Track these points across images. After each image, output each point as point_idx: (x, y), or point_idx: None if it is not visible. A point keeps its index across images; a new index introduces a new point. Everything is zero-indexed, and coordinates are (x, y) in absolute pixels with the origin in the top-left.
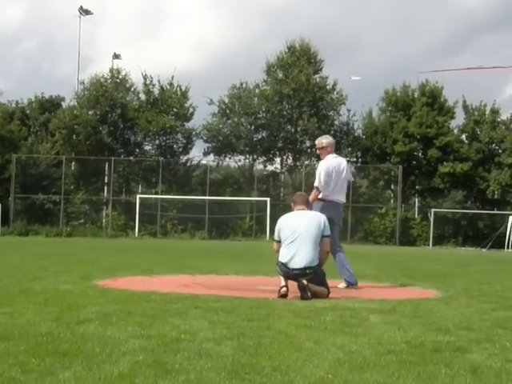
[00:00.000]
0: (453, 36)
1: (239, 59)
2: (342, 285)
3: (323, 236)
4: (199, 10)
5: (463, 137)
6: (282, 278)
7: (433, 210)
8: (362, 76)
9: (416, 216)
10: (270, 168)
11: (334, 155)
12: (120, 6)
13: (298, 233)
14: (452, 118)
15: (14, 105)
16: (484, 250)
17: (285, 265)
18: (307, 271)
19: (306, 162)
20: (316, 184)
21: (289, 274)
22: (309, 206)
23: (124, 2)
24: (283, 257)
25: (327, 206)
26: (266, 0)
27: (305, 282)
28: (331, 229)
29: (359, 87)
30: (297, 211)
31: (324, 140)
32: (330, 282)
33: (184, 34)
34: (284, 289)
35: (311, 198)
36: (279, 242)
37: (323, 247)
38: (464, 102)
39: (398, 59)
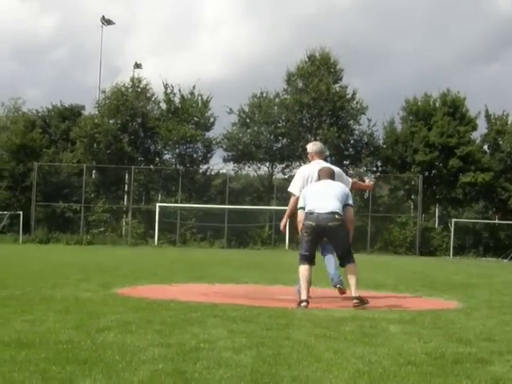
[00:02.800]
0: (485, 44)
1: (270, 68)
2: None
3: (346, 204)
4: (231, 20)
5: (485, 147)
6: (303, 288)
7: (453, 219)
8: (391, 84)
9: (436, 226)
10: (288, 176)
11: (318, 161)
12: (150, 15)
13: (323, 190)
14: (474, 129)
15: (34, 112)
16: (505, 260)
17: (311, 212)
18: (336, 216)
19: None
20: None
21: (318, 223)
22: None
23: (154, 12)
24: (309, 206)
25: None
26: (298, 10)
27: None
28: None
29: (388, 96)
30: (322, 181)
31: (308, 146)
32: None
33: (215, 43)
34: (304, 303)
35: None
36: (304, 208)
37: (347, 216)
38: (486, 111)
39: (428, 68)
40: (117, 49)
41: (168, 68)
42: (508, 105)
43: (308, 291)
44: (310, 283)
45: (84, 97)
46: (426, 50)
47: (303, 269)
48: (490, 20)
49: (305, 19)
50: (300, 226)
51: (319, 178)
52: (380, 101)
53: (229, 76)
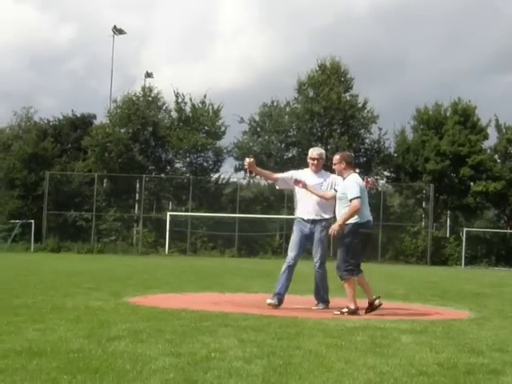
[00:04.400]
0: (503, 51)
1: (286, 79)
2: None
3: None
4: (247, 30)
5: (496, 156)
6: (352, 295)
7: (465, 229)
8: (407, 92)
9: (448, 235)
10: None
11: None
12: (167, 25)
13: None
14: (485, 138)
15: (45, 121)
16: None
17: (369, 220)
18: None
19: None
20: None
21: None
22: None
23: (171, 21)
24: (367, 216)
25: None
26: (314, 19)
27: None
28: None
29: (404, 104)
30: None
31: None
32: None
33: (231, 53)
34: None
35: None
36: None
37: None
38: (497, 120)
39: (445, 76)
40: (133, 58)
41: (184, 77)
42: None
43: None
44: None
45: (98, 106)
46: (443, 58)
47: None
48: (508, 28)
49: (321, 29)
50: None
51: (350, 164)
52: (396, 109)
53: (245, 86)
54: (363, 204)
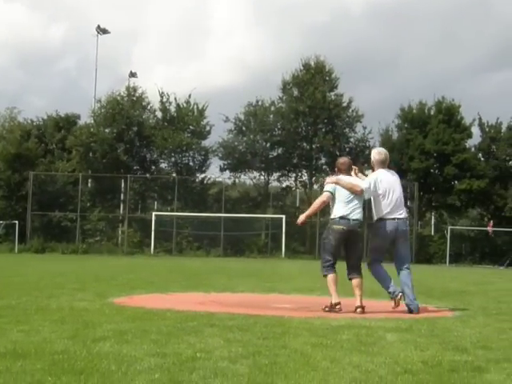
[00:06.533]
0: (495, 50)
1: (279, 77)
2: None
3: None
4: (240, 28)
5: (479, 155)
6: (334, 291)
7: (449, 227)
8: (397, 92)
9: (432, 233)
10: (285, 185)
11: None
12: (159, 24)
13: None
14: (469, 137)
15: (29, 121)
16: (502, 267)
17: (394, 218)
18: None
19: (322, 179)
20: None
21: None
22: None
23: (163, 20)
24: (340, 213)
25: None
26: (308, 18)
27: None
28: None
29: (396, 102)
30: None
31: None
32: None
33: (223, 51)
34: (339, 306)
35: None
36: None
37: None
38: (480, 119)
39: (437, 75)
40: (125, 57)
41: (175, 76)
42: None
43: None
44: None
45: (87, 106)
46: (434, 57)
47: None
48: (500, 26)
49: (315, 27)
50: None
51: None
52: (389, 107)
53: (237, 84)
54: (337, 202)
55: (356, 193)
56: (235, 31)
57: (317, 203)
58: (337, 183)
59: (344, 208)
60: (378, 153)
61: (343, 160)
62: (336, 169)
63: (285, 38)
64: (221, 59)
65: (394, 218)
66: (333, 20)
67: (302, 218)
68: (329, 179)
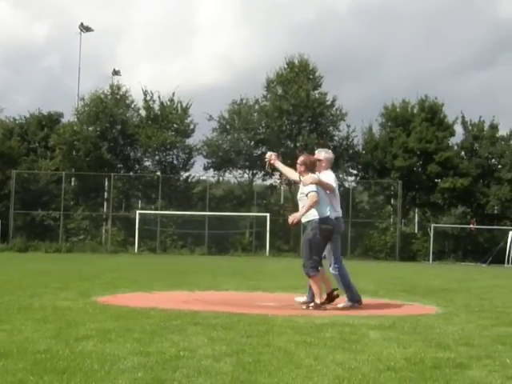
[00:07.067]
0: (479, 50)
1: (265, 75)
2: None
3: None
4: (226, 26)
5: (462, 153)
6: (321, 291)
7: (432, 225)
8: (383, 90)
9: (416, 231)
10: (269, 183)
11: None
12: (145, 21)
13: None
14: (452, 135)
15: (12, 120)
16: (484, 265)
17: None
18: None
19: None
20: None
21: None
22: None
23: (149, 17)
24: (326, 212)
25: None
26: (294, 16)
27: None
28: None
29: (381, 101)
30: None
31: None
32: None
33: (210, 49)
34: (336, 291)
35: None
36: None
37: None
38: (463, 117)
39: (422, 74)
40: (108, 55)
41: (161, 74)
42: (499, 110)
43: None
44: None
45: (69, 104)
46: (420, 56)
47: None
48: (485, 26)
49: (301, 26)
50: None
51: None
52: (374, 106)
53: (223, 82)
54: (322, 201)
55: (330, 191)
56: (221, 29)
57: (311, 205)
58: (319, 183)
59: (327, 207)
60: (328, 152)
61: (313, 159)
62: (303, 167)
63: (271, 37)
64: (206, 57)
65: (341, 216)
66: (319, 19)
67: (297, 217)
68: (310, 179)
